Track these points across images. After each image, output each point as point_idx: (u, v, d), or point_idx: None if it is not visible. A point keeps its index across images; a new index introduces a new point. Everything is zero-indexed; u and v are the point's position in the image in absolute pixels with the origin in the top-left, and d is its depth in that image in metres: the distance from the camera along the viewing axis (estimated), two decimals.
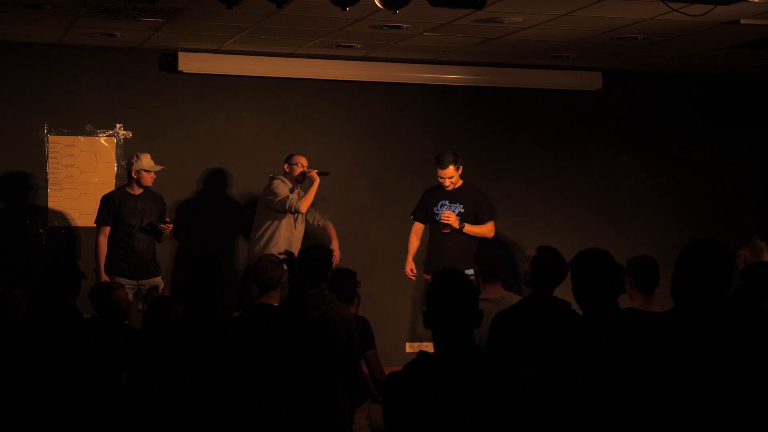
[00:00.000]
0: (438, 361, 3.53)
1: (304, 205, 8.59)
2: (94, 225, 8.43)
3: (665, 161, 10.56)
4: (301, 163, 8.80)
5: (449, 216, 8.49)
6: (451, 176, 8.53)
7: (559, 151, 10.30)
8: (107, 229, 8.30)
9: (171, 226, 8.40)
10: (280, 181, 8.71)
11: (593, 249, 4.56)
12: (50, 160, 9.13)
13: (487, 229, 8.59)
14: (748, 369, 3.57)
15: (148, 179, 8.35)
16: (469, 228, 8.50)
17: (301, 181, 8.79)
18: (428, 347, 10.84)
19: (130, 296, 8.05)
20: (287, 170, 8.78)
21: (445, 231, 8.50)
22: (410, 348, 9.67)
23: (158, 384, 4.80)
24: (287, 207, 8.55)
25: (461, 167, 8.56)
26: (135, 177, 8.39)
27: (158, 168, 8.43)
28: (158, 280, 8.35)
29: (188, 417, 4.83)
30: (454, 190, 8.60)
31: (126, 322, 6.26)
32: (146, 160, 8.39)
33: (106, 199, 8.39)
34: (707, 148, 10.62)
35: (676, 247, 3.93)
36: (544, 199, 10.23)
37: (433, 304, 3.60)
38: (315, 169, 8.76)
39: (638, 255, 5.60)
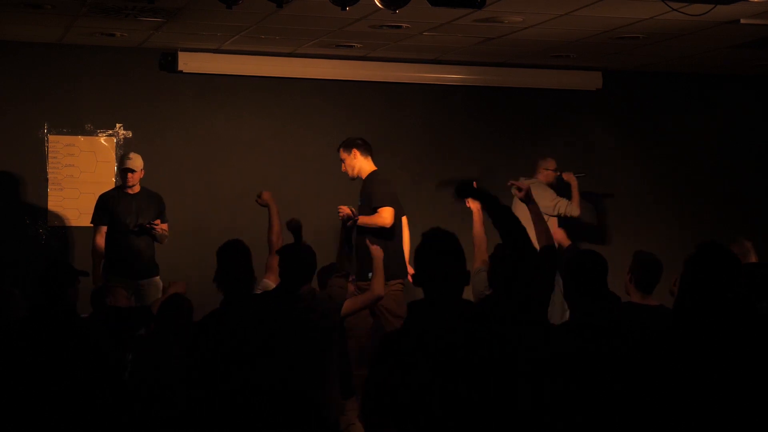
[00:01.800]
0: (430, 316, 3.59)
1: (577, 207, 9.16)
2: (91, 225, 8.43)
3: (665, 161, 10.56)
4: (553, 166, 9.28)
5: (340, 210, 7.58)
6: (342, 160, 7.81)
7: (559, 151, 10.29)
8: (103, 229, 8.29)
9: (161, 226, 8.34)
10: (543, 185, 9.12)
11: (587, 250, 4.61)
12: (50, 160, 9.13)
13: (376, 219, 7.44)
14: (746, 370, 3.57)
15: (126, 178, 8.30)
16: (361, 220, 7.49)
17: (555, 184, 9.28)
18: None
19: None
20: (543, 172, 9.24)
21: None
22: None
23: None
24: (563, 211, 9.02)
25: (356, 152, 7.75)
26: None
27: (128, 166, 8.24)
28: (156, 280, 8.34)
29: (187, 416, 4.84)
30: (361, 180, 7.83)
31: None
32: (123, 160, 8.35)
33: (101, 199, 8.39)
34: (707, 148, 10.62)
35: (675, 247, 3.96)
36: None
37: (422, 263, 3.67)
38: (570, 171, 9.34)
39: (644, 252, 5.60)
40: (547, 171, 9.33)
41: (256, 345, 4.99)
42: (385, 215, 7.44)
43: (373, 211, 7.48)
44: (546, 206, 8.97)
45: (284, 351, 5.04)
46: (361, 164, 7.78)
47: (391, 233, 7.51)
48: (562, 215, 9.12)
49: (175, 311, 5.65)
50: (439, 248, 3.68)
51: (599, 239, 10.12)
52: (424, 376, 3.50)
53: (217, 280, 5.18)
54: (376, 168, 7.82)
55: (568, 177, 9.43)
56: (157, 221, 8.33)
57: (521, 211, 8.75)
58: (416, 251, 3.72)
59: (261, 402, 4.91)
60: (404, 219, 7.88)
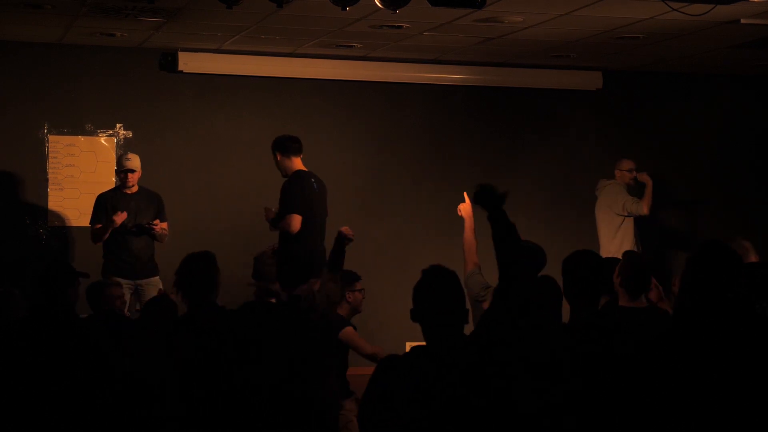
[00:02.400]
0: (429, 352, 3.59)
1: (646, 207, 9.20)
2: (89, 225, 8.42)
3: (665, 161, 10.56)
4: (627, 167, 9.35)
5: (265, 212, 7.73)
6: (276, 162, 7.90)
7: (558, 151, 10.30)
8: None
9: (160, 226, 8.34)
10: (618, 186, 9.28)
11: (583, 250, 4.60)
12: (50, 160, 9.13)
13: (284, 224, 7.48)
14: (745, 370, 3.56)
15: (127, 179, 8.29)
16: (274, 224, 7.62)
17: (634, 185, 9.41)
18: None
19: (128, 296, 8.05)
20: (617, 173, 9.37)
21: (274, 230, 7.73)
22: (410, 348, 9.65)
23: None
24: (630, 209, 9.16)
25: (277, 153, 7.76)
26: None
27: (129, 166, 8.24)
28: (156, 280, 8.33)
29: (188, 415, 4.84)
30: None
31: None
32: (122, 161, 8.35)
33: (99, 199, 8.37)
34: (707, 148, 10.61)
35: (675, 247, 3.95)
36: (544, 198, 10.23)
37: (421, 300, 3.67)
38: (644, 171, 9.40)
39: (633, 254, 5.55)
40: (621, 172, 9.40)
41: (256, 345, 4.99)
42: (290, 222, 7.44)
43: (283, 215, 7.53)
44: (615, 208, 9.21)
45: (284, 350, 5.05)
46: (285, 164, 7.76)
47: (302, 237, 7.45)
48: (632, 214, 9.17)
49: (158, 311, 5.65)
50: (439, 286, 3.68)
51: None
52: (419, 407, 3.48)
53: (177, 286, 5.26)
54: (301, 168, 7.75)
55: (642, 177, 9.44)
56: (156, 221, 8.32)
57: (601, 216, 9.07)
58: (415, 288, 3.72)
59: (260, 401, 4.92)
60: None
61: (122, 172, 8.28)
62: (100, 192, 8.53)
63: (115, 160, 9.22)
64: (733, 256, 3.76)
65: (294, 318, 5.20)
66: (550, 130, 10.33)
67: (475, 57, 9.59)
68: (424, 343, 3.75)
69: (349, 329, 6.38)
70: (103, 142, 9.29)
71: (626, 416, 3.73)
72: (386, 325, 9.45)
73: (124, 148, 9.19)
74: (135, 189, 8.36)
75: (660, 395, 3.62)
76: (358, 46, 9.06)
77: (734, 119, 10.67)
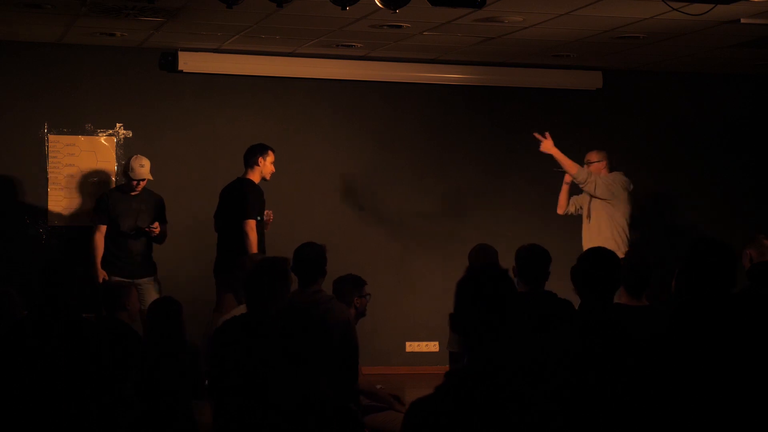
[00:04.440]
0: (472, 376, 2.92)
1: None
2: (91, 225, 8.43)
3: (665, 161, 10.55)
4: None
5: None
6: None
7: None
8: (103, 228, 8.31)
9: (158, 229, 8.35)
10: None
11: (598, 247, 4.58)
12: (50, 160, 9.13)
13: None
14: (749, 367, 3.56)
15: (138, 186, 8.31)
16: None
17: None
18: (428, 346, 10.81)
19: None
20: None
21: None
22: (410, 348, 9.65)
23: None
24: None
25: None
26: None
27: (144, 176, 8.29)
28: (154, 279, 8.36)
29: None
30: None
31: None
32: (132, 165, 8.34)
33: (101, 199, 8.40)
34: (707, 148, 10.61)
35: (674, 247, 3.94)
36: (544, 198, 10.21)
37: (465, 305, 2.96)
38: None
39: (636, 254, 5.55)
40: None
41: (271, 351, 4.98)
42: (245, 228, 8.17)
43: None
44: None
45: (298, 355, 5.03)
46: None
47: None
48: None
49: (163, 313, 5.65)
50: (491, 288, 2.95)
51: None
52: None
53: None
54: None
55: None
56: (156, 224, 8.33)
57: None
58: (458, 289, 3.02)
59: (274, 408, 4.91)
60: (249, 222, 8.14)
61: (137, 181, 8.27)
62: (100, 192, 8.54)
63: (115, 160, 9.22)
64: (724, 249, 3.75)
65: (298, 320, 5.19)
66: (550, 130, 10.30)
67: (475, 57, 9.59)
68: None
69: (365, 382, 6.35)
70: (103, 141, 9.29)
71: (624, 416, 3.73)
72: (386, 325, 9.45)
73: (124, 148, 9.19)
74: (137, 190, 8.38)
75: (657, 393, 3.62)
76: (358, 46, 9.06)
77: (734, 119, 10.67)
